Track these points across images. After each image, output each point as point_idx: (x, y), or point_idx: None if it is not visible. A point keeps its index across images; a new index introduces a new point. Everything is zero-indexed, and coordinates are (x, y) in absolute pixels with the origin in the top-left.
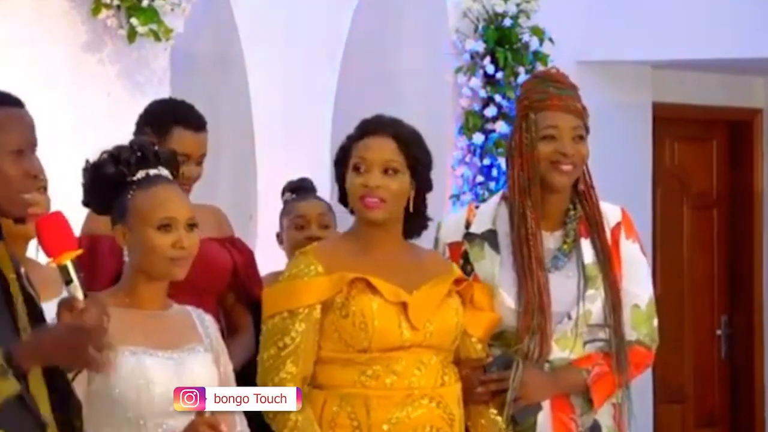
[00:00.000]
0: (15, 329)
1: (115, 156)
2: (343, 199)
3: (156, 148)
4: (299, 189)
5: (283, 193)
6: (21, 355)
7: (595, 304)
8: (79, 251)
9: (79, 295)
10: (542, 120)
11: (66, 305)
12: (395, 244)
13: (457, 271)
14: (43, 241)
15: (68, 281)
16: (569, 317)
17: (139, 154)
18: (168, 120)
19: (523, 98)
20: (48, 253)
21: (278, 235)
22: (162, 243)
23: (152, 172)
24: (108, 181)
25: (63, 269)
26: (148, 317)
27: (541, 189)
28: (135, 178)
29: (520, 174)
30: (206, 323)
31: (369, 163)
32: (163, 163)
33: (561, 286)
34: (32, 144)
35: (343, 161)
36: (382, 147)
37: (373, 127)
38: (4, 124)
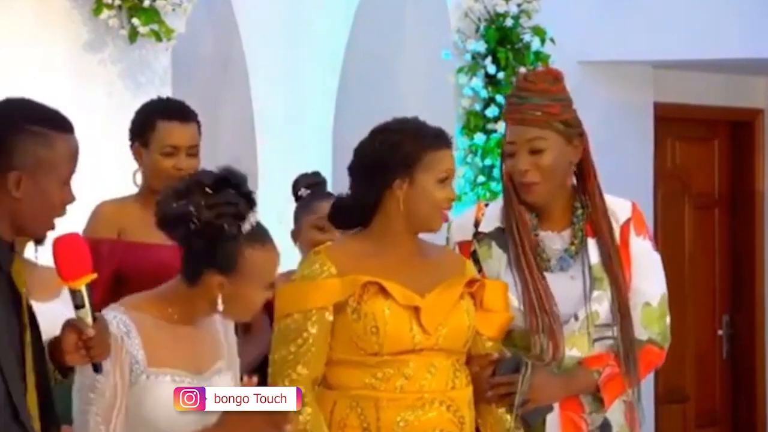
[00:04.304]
0: (21, 344)
1: (234, 214)
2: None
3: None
4: (315, 185)
5: (296, 188)
6: None
7: (602, 305)
8: (94, 275)
9: (89, 320)
10: (506, 134)
11: (73, 328)
12: (408, 243)
13: (471, 271)
14: (58, 262)
15: (79, 306)
16: (576, 318)
17: (244, 198)
18: (151, 115)
19: None
20: (62, 275)
21: (293, 233)
22: (261, 300)
23: (253, 219)
24: (222, 237)
25: (75, 293)
26: (186, 334)
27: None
28: (244, 231)
29: (506, 181)
30: (228, 329)
31: (451, 177)
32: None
33: (566, 286)
34: None
35: (406, 163)
36: (454, 160)
37: (447, 138)
38: (62, 153)
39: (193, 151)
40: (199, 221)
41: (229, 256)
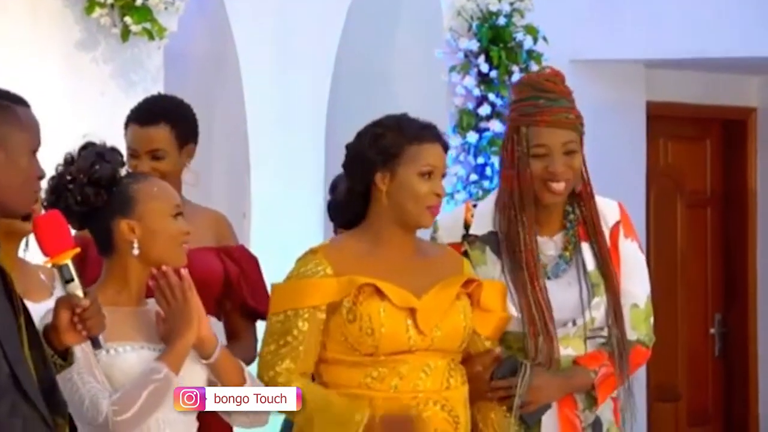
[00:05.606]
0: (18, 327)
1: (101, 157)
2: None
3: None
4: None
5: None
6: None
7: (600, 311)
8: (77, 249)
9: (79, 293)
10: (533, 136)
11: (65, 304)
12: (406, 242)
13: (468, 270)
14: (41, 240)
15: (68, 280)
16: (573, 323)
17: (109, 149)
18: (127, 117)
19: (513, 108)
20: (46, 252)
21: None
22: (179, 229)
23: (126, 168)
24: (102, 181)
25: (62, 268)
26: (135, 314)
27: (534, 201)
28: (122, 174)
29: (513, 189)
30: None
31: (437, 172)
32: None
33: (562, 293)
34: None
35: (386, 157)
36: (442, 155)
37: (435, 132)
38: (27, 124)
39: (157, 155)
40: (72, 179)
41: (121, 198)
